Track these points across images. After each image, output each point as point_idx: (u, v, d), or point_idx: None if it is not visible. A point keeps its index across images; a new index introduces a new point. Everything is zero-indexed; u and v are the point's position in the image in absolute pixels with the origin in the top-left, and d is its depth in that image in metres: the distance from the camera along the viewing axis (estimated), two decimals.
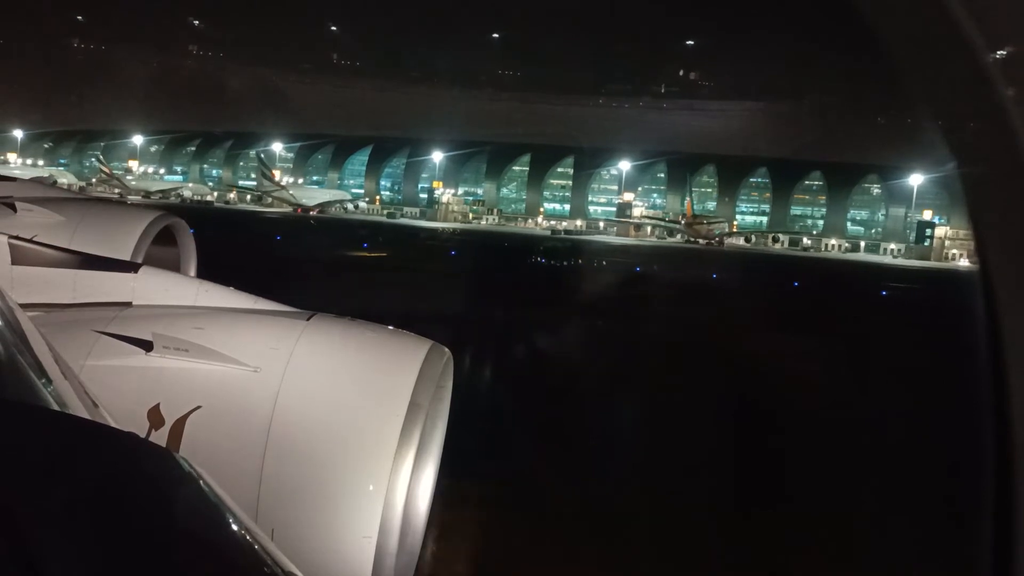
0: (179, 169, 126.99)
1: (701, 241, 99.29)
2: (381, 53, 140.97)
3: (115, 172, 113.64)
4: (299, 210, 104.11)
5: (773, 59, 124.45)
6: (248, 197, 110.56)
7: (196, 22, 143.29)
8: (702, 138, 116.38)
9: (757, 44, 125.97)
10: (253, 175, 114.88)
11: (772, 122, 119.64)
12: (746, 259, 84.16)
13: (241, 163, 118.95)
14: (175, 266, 6.14)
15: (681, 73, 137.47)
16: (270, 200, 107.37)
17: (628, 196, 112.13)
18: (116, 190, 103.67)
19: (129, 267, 4.51)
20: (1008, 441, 2.36)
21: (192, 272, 6.20)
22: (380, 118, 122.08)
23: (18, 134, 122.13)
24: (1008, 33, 2.36)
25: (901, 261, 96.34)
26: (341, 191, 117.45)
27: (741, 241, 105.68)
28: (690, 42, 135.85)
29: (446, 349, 3.84)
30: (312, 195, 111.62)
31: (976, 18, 2.32)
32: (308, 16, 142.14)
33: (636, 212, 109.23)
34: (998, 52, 2.32)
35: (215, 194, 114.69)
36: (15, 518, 1.29)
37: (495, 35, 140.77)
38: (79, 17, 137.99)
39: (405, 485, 3.36)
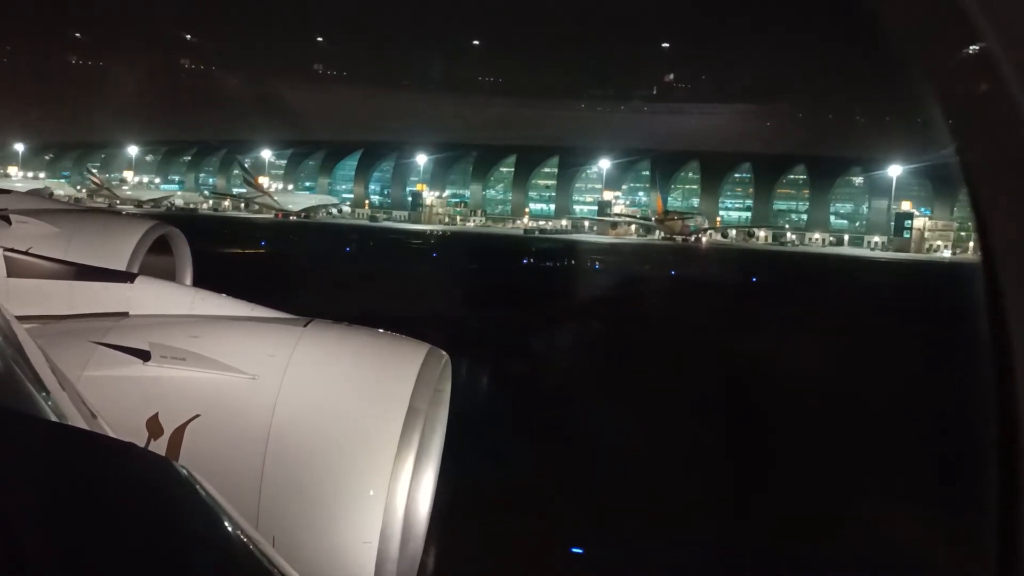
0: (176, 178, 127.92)
1: (678, 238, 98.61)
2: (371, 60, 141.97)
3: (106, 182, 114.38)
4: (280, 215, 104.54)
5: (757, 59, 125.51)
6: (242, 204, 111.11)
7: (190, 35, 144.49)
8: (686, 138, 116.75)
9: (740, 43, 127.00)
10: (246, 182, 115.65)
11: (756, 122, 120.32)
12: (711, 254, 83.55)
13: (235, 171, 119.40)
14: (171, 275, 6.13)
15: (665, 75, 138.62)
16: (256, 207, 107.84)
17: (608, 194, 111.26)
18: (108, 200, 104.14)
19: (125, 277, 4.49)
20: (1014, 430, 2.33)
21: (188, 281, 6.18)
22: (369, 123, 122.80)
23: (20, 148, 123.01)
24: (1014, 18, 2.34)
25: (879, 254, 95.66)
26: (326, 196, 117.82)
27: (720, 237, 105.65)
28: (671, 45, 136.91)
29: (444, 353, 3.83)
30: (297, 200, 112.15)
31: (982, 3, 2.31)
32: (299, 26, 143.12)
33: (616, 210, 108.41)
34: (1004, 37, 2.31)
35: (210, 202, 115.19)
36: (15, 529, 1.28)
37: (486, 39, 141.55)
38: (77, 32, 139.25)
39: (405, 490, 3.35)
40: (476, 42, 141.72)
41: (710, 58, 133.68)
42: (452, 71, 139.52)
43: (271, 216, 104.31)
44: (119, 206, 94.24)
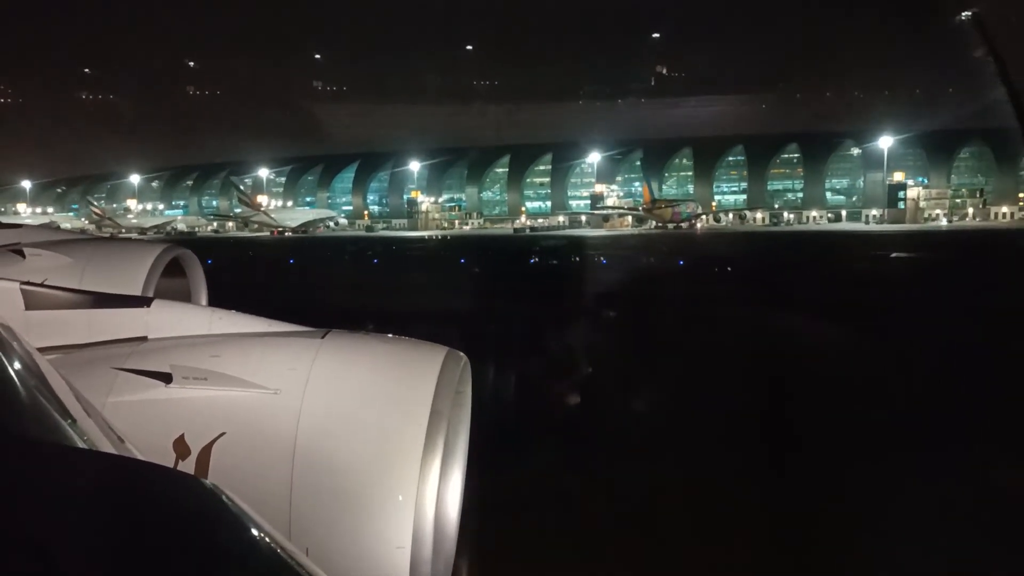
0: (182, 203, 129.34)
1: (670, 226, 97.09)
2: (364, 70, 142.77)
3: (108, 212, 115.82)
4: (275, 232, 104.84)
5: (747, 36, 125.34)
6: (243, 224, 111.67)
7: (189, 60, 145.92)
8: (680, 125, 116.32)
9: (729, 20, 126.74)
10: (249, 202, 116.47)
11: (747, 102, 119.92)
12: (686, 240, 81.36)
13: (235, 192, 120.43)
14: (186, 297, 6.15)
15: (656, 61, 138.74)
16: (256, 225, 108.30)
17: (600, 187, 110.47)
18: (112, 229, 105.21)
19: (141, 302, 4.50)
20: None
21: (203, 301, 6.18)
22: (365, 134, 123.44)
23: (27, 184, 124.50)
24: None
25: (875, 227, 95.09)
26: (323, 210, 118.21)
27: (714, 222, 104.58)
28: (660, 32, 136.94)
29: (462, 354, 3.83)
30: (294, 216, 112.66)
31: None
32: (292, 39, 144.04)
33: (609, 202, 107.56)
34: None
35: (212, 224, 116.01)
36: (58, 557, 1.29)
37: (477, 41, 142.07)
38: (83, 68, 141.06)
39: (434, 493, 3.34)
40: (468, 45, 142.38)
41: (700, 41, 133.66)
42: (445, 74, 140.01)
43: (267, 234, 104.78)
44: (123, 235, 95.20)
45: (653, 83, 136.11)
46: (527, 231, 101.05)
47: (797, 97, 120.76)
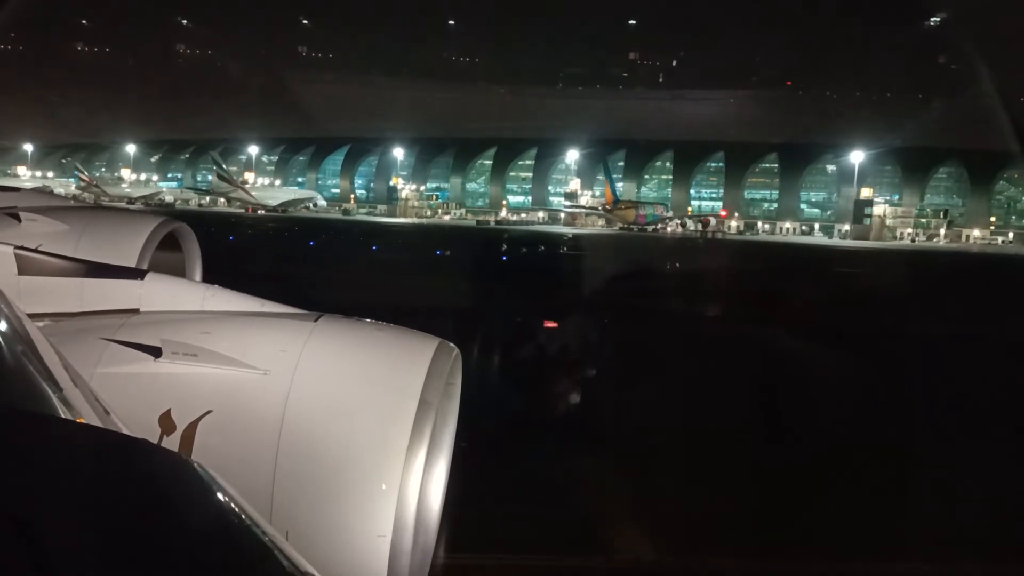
0: (178, 175, 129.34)
1: (635, 227, 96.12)
2: (362, 57, 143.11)
3: (95, 179, 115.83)
4: (250, 209, 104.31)
5: (739, 43, 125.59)
6: (224, 200, 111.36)
7: (186, 22, 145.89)
8: (665, 127, 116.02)
9: (723, 28, 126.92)
10: (240, 179, 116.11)
11: (733, 109, 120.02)
12: (628, 242, 79.77)
13: (214, 169, 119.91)
14: (181, 271, 6.14)
15: (644, 63, 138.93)
16: (239, 203, 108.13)
17: (573, 185, 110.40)
18: (98, 197, 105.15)
19: (135, 274, 4.46)
20: None
21: (198, 277, 6.14)
22: (357, 119, 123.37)
23: (29, 148, 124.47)
24: None
25: (838, 242, 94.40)
26: (305, 190, 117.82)
27: (696, 226, 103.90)
28: (652, 34, 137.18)
29: (454, 346, 3.82)
30: (275, 195, 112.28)
31: None
32: (287, 26, 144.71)
33: (583, 201, 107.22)
34: None
35: (198, 198, 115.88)
36: (33, 528, 1.29)
37: (479, 28, 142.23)
38: (83, 22, 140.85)
39: (418, 483, 3.32)
40: (468, 41, 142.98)
41: (695, 46, 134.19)
42: (444, 66, 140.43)
43: (242, 211, 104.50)
44: (108, 203, 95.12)
45: (638, 81, 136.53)
46: (491, 224, 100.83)
47: (780, 104, 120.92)
